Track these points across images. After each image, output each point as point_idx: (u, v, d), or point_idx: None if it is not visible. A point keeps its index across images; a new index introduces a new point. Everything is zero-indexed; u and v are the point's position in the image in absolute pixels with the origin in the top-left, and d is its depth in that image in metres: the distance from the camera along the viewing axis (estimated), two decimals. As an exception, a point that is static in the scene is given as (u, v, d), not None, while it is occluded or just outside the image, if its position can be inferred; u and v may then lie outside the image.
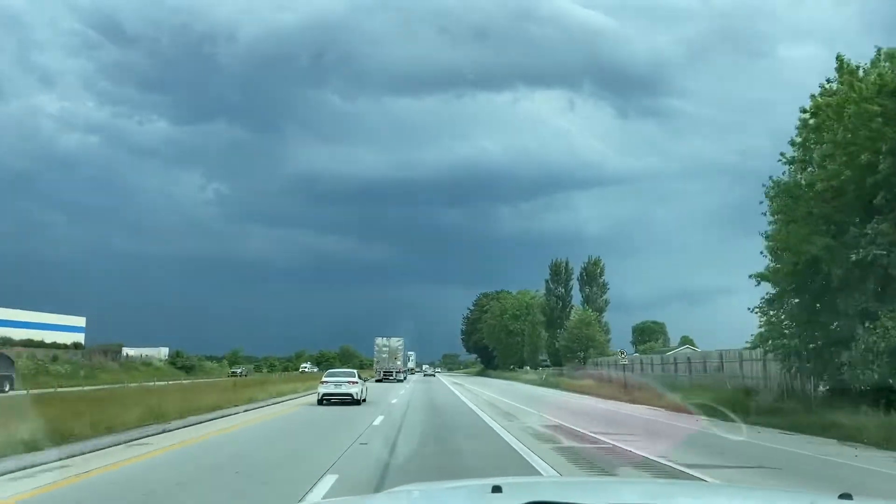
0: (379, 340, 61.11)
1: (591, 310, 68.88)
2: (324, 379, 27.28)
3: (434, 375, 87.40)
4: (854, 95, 16.68)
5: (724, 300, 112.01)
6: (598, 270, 73.79)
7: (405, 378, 62.33)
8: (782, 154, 20.19)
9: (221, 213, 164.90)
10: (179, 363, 71.03)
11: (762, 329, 21.02)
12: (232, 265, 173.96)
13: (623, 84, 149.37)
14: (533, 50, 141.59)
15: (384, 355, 60.38)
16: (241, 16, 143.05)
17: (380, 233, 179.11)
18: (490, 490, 2.29)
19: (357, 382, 26.62)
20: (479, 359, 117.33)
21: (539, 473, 9.60)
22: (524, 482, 4.19)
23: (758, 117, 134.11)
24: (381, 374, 58.55)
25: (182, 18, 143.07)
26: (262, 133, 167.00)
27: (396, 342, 60.99)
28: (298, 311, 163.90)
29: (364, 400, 26.98)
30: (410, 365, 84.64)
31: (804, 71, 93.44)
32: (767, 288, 20.57)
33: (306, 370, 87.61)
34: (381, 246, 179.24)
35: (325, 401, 25.82)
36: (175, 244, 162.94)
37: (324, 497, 7.76)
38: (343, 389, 25.99)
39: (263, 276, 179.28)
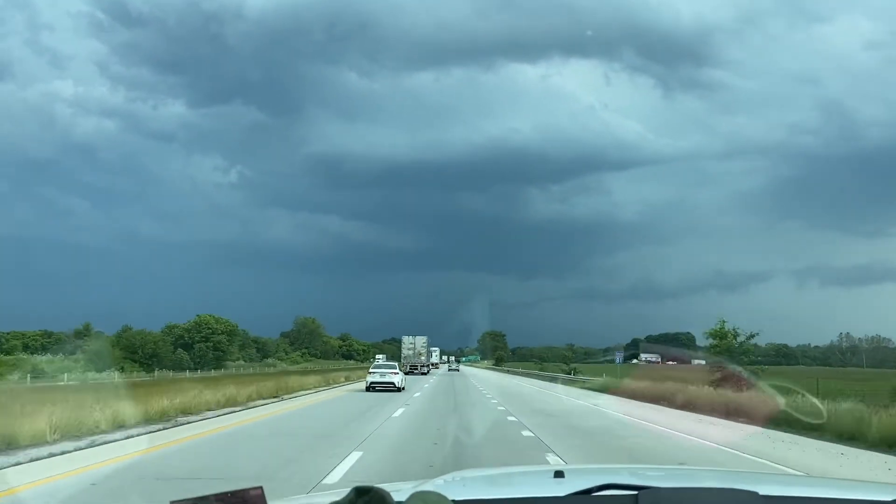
0: (406, 339, 71.19)
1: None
2: (371, 370, 34.05)
3: (458, 370, 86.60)
4: None
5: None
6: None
7: (429, 371, 71.81)
8: None
9: (243, 197, 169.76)
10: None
11: None
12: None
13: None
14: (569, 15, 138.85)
15: (410, 351, 69.93)
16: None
17: (392, 216, 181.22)
18: (552, 475, 2.26)
19: (398, 373, 33.01)
20: None
21: None
22: (584, 469, 4.19)
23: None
24: (408, 367, 66.86)
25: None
26: (280, 115, 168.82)
27: (421, 340, 70.58)
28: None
29: (403, 388, 32.58)
30: (433, 360, 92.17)
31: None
32: None
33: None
34: (398, 231, 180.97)
35: (372, 388, 31.31)
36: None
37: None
38: (387, 379, 32.03)
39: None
